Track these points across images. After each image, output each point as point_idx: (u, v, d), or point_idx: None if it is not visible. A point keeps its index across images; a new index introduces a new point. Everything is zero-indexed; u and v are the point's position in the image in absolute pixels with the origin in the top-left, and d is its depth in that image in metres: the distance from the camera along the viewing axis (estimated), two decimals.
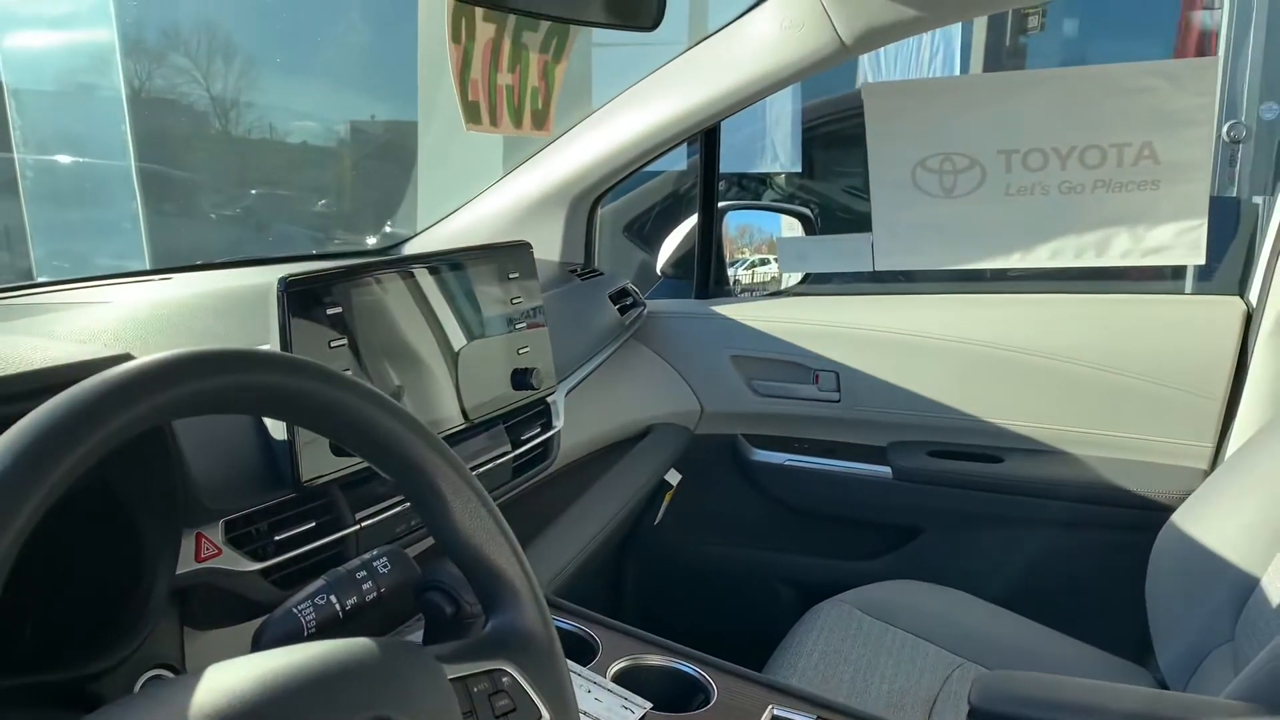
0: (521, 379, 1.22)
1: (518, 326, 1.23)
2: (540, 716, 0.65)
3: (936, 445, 1.80)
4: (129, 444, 0.53)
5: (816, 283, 2.10)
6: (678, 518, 1.92)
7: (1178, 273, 2.24)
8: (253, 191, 4.77)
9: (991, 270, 1.79)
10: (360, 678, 0.55)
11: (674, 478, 1.88)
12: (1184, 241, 1.67)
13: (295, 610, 0.71)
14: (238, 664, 0.55)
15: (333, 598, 0.72)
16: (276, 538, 0.91)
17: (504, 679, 0.65)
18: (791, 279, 2.16)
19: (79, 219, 4.32)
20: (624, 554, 1.95)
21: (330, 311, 0.94)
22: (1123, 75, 1.64)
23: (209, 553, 0.86)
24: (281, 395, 0.57)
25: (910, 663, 1.47)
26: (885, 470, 1.81)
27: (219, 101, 4.61)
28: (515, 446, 1.24)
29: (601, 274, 1.85)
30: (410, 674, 0.58)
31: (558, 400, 1.35)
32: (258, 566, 0.88)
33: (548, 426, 1.31)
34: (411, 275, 1.07)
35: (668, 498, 1.88)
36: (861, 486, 1.83)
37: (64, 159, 4.28)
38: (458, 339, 1.12)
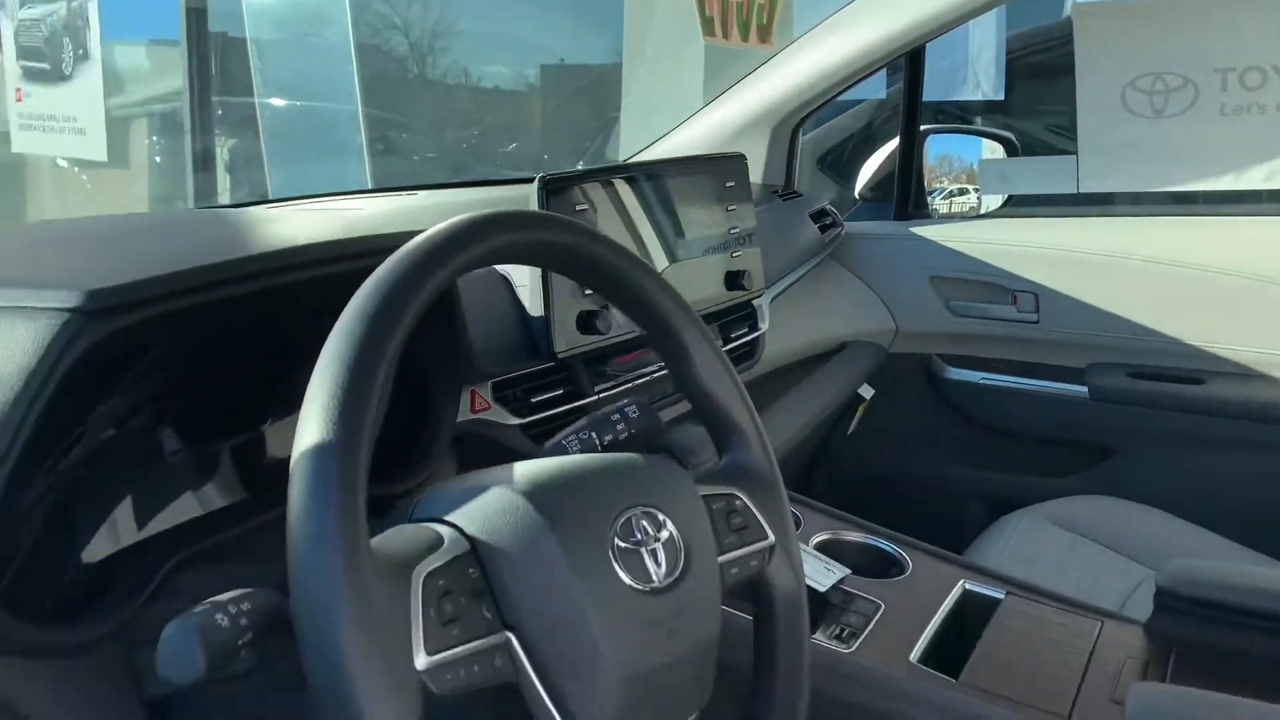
0: (734, 280, 1.33)
1: (732, 231, 1.34)
2: (766, 536, 0.77)
3: (1136, 367, 1.80)
4: (428, 311, 0.68)
5: (1018, 205, 2.12)
6: (870, 431, 2.01)
7: None
8: (459, 134, 5.05)
9: (1200, 192, 1.77)
10: (634, 477, 0.69)
11: (867, 392, 1.96)
12: None
13: (564, 443, 0.85)
14: (538, 460, 0.69)
15: (594, 434, 0.87)
16: (532, 400, 1.07)
17: (737, 502, 0.77)
18: (990, 206, 2.18)
19: (311, 161, 4.70)
20: (816, 463, 2.05)
21: (579, 208, 1.09)
22: None
23: (481, 406, 1.02)
24: (577, 254, 0.71)
25: (1100, 571, 1.51)
26: (1082, 389, 1.83)
27: (429, 47, 4.89)
28: (725, 343, 1.36)
29: (801, 195, 1.94)
30: (673, 482, 0.71)
31: (763, 304, 1.46)
32: (518, 421, 1.04)
33: (754, 328, 1.43)
34: (644, 179, 1.20)
35: (860, 410, 1.96)
36: (1057, 405, 1.86)
37: (298, 103, 4.66)
38: (682, 239, 1.25)
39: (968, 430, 1.96)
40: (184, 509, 0.83)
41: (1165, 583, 1.11)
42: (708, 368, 0.79)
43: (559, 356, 1.07)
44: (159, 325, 0.68)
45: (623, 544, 0.64)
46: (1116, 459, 1.84)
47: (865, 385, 1.96)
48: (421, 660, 0.53)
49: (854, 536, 1.26)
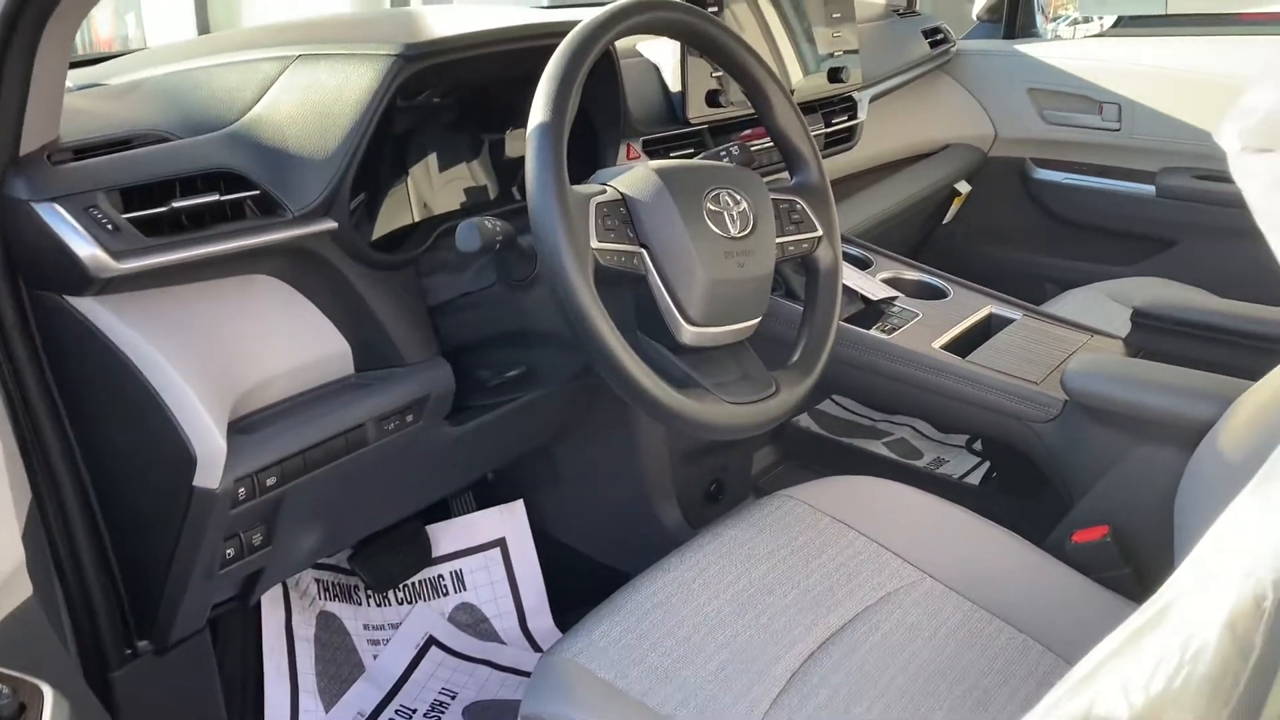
0: (835, 75, 1.70)
1: (835, 35, 1.70)
2: (815, 230, 1.19)
3: (1202, 170, 2.07)
4: (598, 76, 1.10)
5: (1127, 26, 2.34)
6: (964, 223, 2.35)
7: None
8: None
9: None
10: (725, 172, 1.11)
11: (964, 187, 2.29)
12: None
13: None
14: (667, 160, 1.12)
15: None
16: (670, 155, 1.49)
17: (797, 206, 1.18)
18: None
19: None
20: (920, 248, 2.41)
21: (710, 8, 1.47)
22: None
23: (633, 155, 1.45)
24: (694, 30, 1.11)
25: None
26: (1150, 189, 2.11)
27: None
28: (827, 126, 1.74)
29: (920, 15, 2.24)
30: (752, 181, 1.12)
31: (863, 99, 1.82)
32: None
33: (853, 116, 1.79)
34: None
35: (957, 202, 2.30)
36: (1128, 202, 2.16)
37: None
38: (794, 40, 1.62)
39: (1050, 223, 2.28)
40: (453, 195, 1.30)
41: (1141, 304, 1.45)
42: (782, 111, 1.19)
43: (691, 122, 1.48)
44: (448, 67, 1.13)
45: (712, 208, 1.07)
46: (1176, 249, 2.13)
47: (963, 181, 2.29)
48: (594, 242, 0.98)
49: (912, 275, 1.65)
